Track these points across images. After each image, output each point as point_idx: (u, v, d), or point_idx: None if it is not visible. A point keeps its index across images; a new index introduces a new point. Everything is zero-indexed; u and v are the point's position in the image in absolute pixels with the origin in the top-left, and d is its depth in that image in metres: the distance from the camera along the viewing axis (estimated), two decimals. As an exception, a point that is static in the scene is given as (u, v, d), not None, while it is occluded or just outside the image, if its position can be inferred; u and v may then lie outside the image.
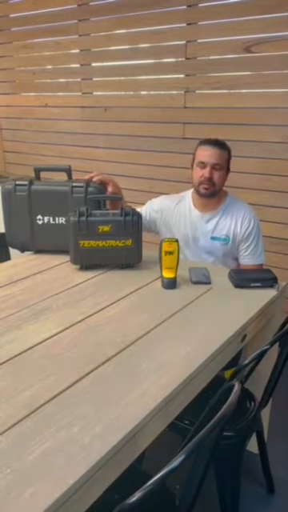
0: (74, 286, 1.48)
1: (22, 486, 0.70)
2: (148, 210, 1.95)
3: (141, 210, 1.96)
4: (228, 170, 1.82)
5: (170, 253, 1.44)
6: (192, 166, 1.85)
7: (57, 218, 1.71)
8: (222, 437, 0.88)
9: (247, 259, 1.86)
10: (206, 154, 1.76)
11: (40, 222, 1.72)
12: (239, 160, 2.36)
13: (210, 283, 1.50)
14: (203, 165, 1.77)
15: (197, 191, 1.83)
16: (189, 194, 1.93)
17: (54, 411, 0.87)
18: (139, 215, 1.57)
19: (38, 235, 1.74)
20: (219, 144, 1.78)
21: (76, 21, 2.97)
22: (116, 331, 1.18)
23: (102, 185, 1.74)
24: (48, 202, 1.70)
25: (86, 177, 1.75)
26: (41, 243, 1.76)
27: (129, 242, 1.56)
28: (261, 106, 2.41)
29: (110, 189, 1.74)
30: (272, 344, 1.19)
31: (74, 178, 1.77)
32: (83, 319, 1.25)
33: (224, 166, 1.79)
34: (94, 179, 1.73)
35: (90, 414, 0.86)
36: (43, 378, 0.97)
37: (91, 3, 2.87)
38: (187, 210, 1.90)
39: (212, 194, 1.80)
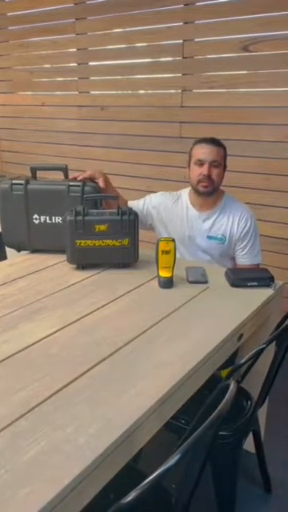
0: (71, 286, 1.48)
1: (17, 486, 0.69)
2: (146, 203, 1.95)
3: (138, 202, 1.96)
4: (225, 168, 1.82)
5: (167, 252, 1.43)
6: (188, 165, 1.84)
7: (53, 218, 1.70)
8: (218, 436, 0.88)
9: (244, 259, 1.86)
10: (204, 151, 1.77)
11: (36, 222, 1.72)
12: (237, 159, 2.36)
13: (206, 282, 1.50)
14: (201, 162, 1.77)
15: (195, 190, 1.83)
16: (186, 193, 1.92)
17: (50, 411, 0.87)
18: (136, 214, 1.57)
19: (34, 234, 1.74)
20: (215, 142, 1.78)
21: (73, 20, 2.97)
22: (112, 331, 1.18)
23: (92, 181, 1.73)
24: (44, 201, 1.70)
25: (70, 177, 1.74)
26: (37, 243, 1.76)
27: (125, 242, 1.56)
28: (258, 106, 2.41)
29: (101, 184, 1.73)
30: (269, 343, 1.19)
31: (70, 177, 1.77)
32: (79, 319, 1.25)
33: (221, 163, 1.79)
34: (79, 178, 1.72)
35: (86, 413, 0.86)
36: (39, 378, 0.97)
37: (88, 2, 2.87)
38: (184, 208, 1.89)
39: (211, 192, 1.80)
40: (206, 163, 1.76)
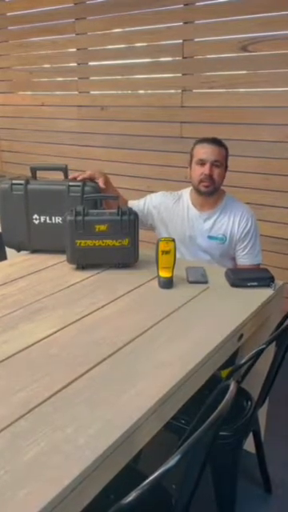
0: (71, 286, 1.47)
1: (17, 487, 0.69)
2: (147, 203, 1.95)
3: (139, 202, 1.96)
4: (226, 168, 1.82)
5: (167, 252, 1.43)
6: (190, 165, 1.84)
7: (53, 218, 1.70)
8: (218, 436, 0.88)
9: (244, 259, 1.85)
10: (205, 151, 1.76)
11: (36, 222, 1.72)
12: (237, 159, 2.36)
13: (206, 282, 1.49)
14: (203, 162, 1.76)
15: (197, 190, 1.82)
16: (187, 193, 1.92)
17: (50, 411, 0.86)
18: (136, 214, 1.57)
19: (34, 235, 1.73)
20: (217, 142, 1.78)
21: (73, 19, 2.97)
22: (112, 331, 1.18)
23: (92, 181, 1.74)
24: (44, 201, 1.70)
25: (70, 177, 1.74)
26: (37, 243, 1.76)
27: (125, 242, 1.55)
28: (258, 106, 2.41)
29: (101, 184, 1.73)
30: (269, 343, 1.19)
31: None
32: (79, 319, 1.25)
33: (223, 163, 1.79)
34: (79, 178, 1.72)
35: (86, 414, 0.86)
36: (39, 378, 0.97)
37: (88, 2, 2.87)
38: (185, 208, 1.89)
39: (212, 192, 1.80)
40: (208, 163, 1.75)
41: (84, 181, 1.71)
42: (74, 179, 1.73)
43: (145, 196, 1.99)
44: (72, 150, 3.22)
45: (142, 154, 2.89)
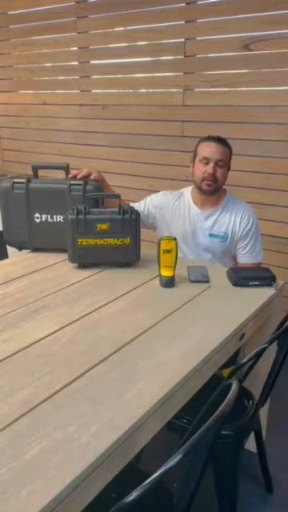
0: (72, 285, 1.47)
1: (19, 486, 0.69)
2: (147, 204, 1.95)
3: (139, 204, 1.96)
4: (229, 168, 1.82)
5: (168, 251, 1.43)
6: (193, 162, 1.84)
7: (55, 216, 1.70)
8: (220, 435, 0.88)
9: (245, 257, 1.85)
10: (210, 150, 1.76)
11: (38, 220, 1.72)
12: (239, 158, 2.35)
13: (208, 282, 1.49)
14: (207, 161, 1.76)
15: (198, 188, 1.82)
16: (188, 191, 1.92)
17: (51, 410, 0.86)
18: (137, 213, 1.57)
19: (35, 233, 1.73)
20: (222, 141, 1.78)
21: (74, 18, 2.96)
22: (113, 330, 1.18)
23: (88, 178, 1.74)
24: (46, 200, 1.70)
25: (69, 175, 1.75)
26: (38, 241, 1.76)
27: (127, 241, 1.55)
28: (260, 104, 2.40)
29: (93, 177, 1.74)
30: (270, 342, 1.18)
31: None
32: (80, 318, 1.24)
33: (227, 163, 1.78)
34: (78, 177, 1.72)
35: (87, 412, 0.86)
36: (40, 377, 0.97)
37: (89, 0, 2.86)
38: (186, 206, 1.89)
39: (213, 191, 1.80)
40: (212, 162, 1.75)
41: (85, 179, 1.71)
42: (74, 177, 1.73)
43: (145, 195, 1.99)
44: (73, 148, 3.22)
45: (144, 152, 2.89)
